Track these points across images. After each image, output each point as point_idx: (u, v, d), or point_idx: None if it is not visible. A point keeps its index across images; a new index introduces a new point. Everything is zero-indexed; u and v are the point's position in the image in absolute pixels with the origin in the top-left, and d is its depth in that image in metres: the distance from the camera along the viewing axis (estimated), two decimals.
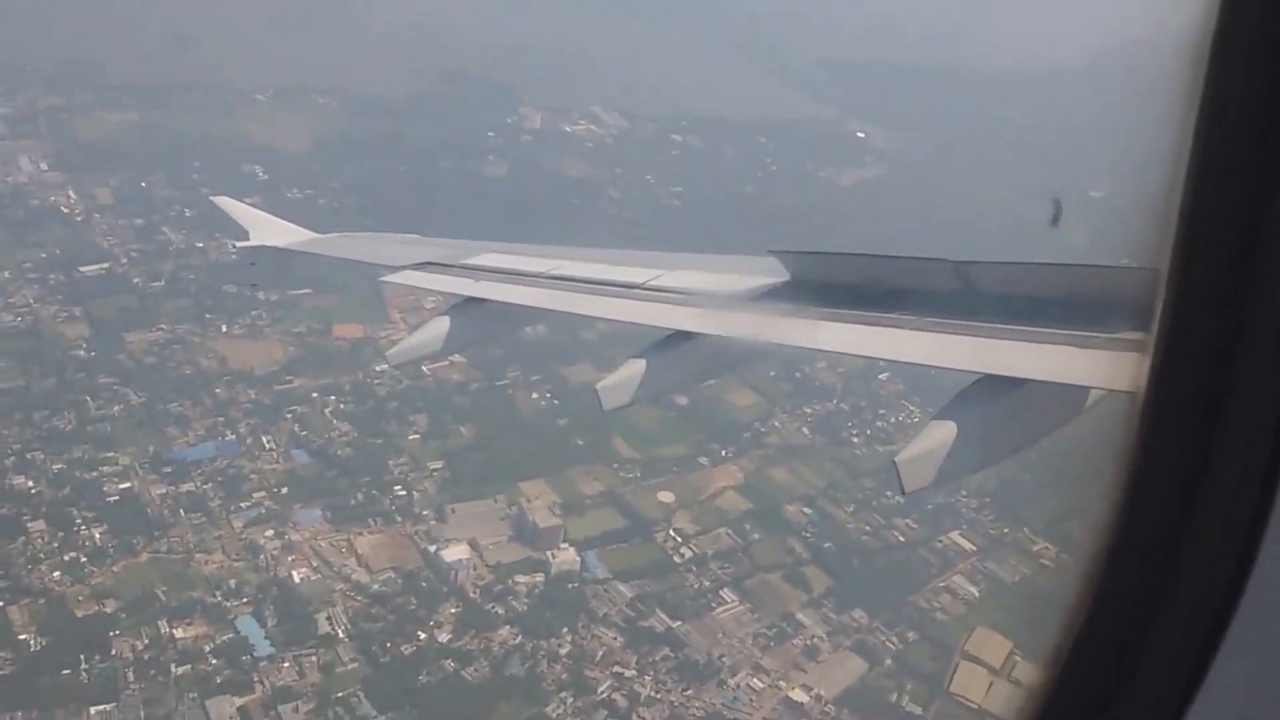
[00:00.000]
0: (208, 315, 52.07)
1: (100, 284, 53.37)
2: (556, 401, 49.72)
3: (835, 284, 8.73)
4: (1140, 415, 2.38)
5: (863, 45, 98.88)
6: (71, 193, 60.72)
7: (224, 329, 51.38)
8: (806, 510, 45.27)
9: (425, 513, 42.48)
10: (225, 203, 15.99)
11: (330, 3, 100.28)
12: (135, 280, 54.13)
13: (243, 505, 41.64)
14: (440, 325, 11.28)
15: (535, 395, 50.01)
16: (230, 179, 63.56)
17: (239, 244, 15.25)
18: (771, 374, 53.24)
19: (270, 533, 40.56)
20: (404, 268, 12.71)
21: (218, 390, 47.32)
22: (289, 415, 46.39)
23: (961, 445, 6.63)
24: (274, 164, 66.18)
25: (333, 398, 47.62)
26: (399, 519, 42.09)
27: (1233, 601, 2.15)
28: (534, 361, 51.74)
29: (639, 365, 8.83)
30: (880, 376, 53.79)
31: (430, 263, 12.66)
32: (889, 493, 46.25)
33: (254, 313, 52.61)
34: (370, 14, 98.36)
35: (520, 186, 68.65)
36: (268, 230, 15.51)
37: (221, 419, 45.76)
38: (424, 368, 50.22)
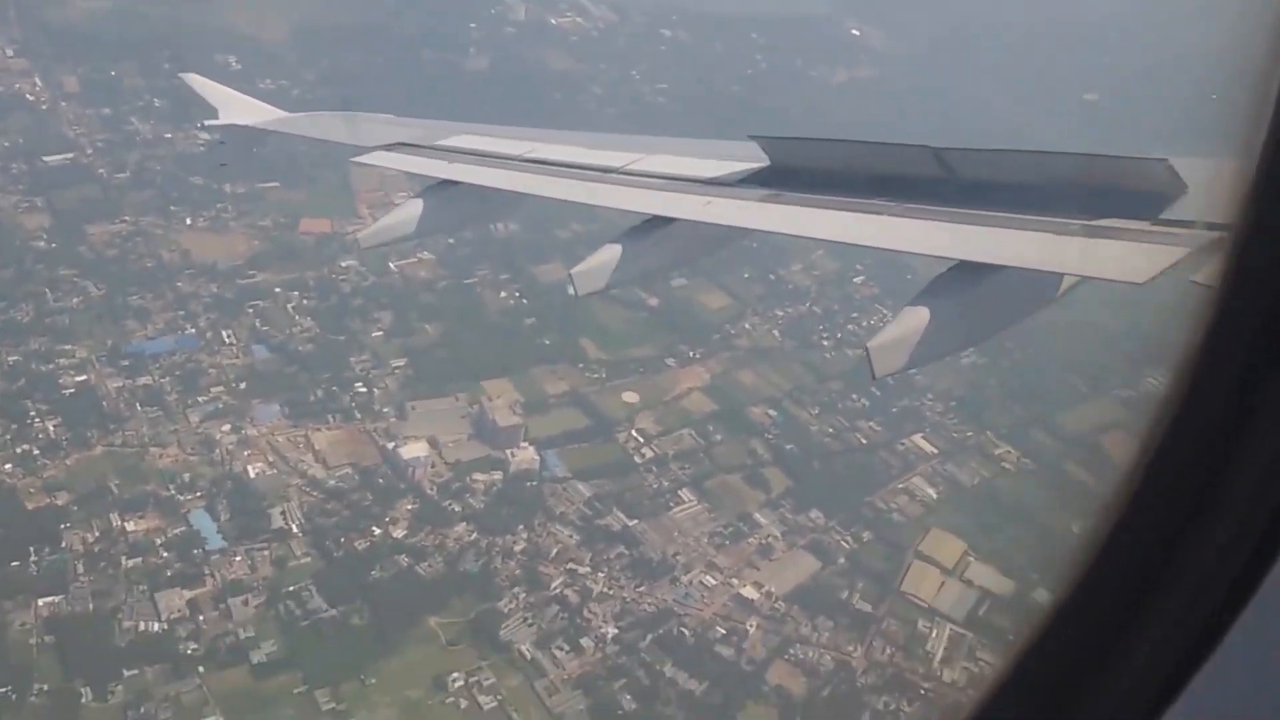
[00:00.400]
0: (172, 207, 51.26)
1: (64, 174, 52.48)
2: (525, 301, 49.11)
3: (814, 170, 8.72)
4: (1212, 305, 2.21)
5: None
6: (38, 80, 59.42)
7: (188, 221, 50.64)
8: (771, 412, 44.94)
9: (385, 410, 42.21)
10: (195, 80, 15.88)
11: None
12: (100, 170, 53.25)
13: (200, 400, 41.42)
14: (413, 207, 11.13)
15: (504, 294, 49.34)
16: (202, 68, 60.31)
17: (208, 122, 15.13)
18: (745, 275, 52.61)
19: (227, 427, 40.38)
20: (376, 148, 12.58)
21: (179, 283, 46.80)
22: (250, 310, 45.91)
23: (934, 331, 6.66)
24: (248, 54, 64.56)
25: (296, 293, 47.07)
26: (358, 416, 41.86)
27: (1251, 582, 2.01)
28: (504, 260, 51.10)
29: (614, 250, 8.80)
30: (855, 280, 53.08)
31: (403, 144, 12.49)
32: (854, 395, 46.05)
33: (219, 205, 51.80)
34: None
35: (502, 79, 66.97)
36: (238, 109, 15.38)
37: (182, 312, 45.34)
38: (391, 264, 49.77)
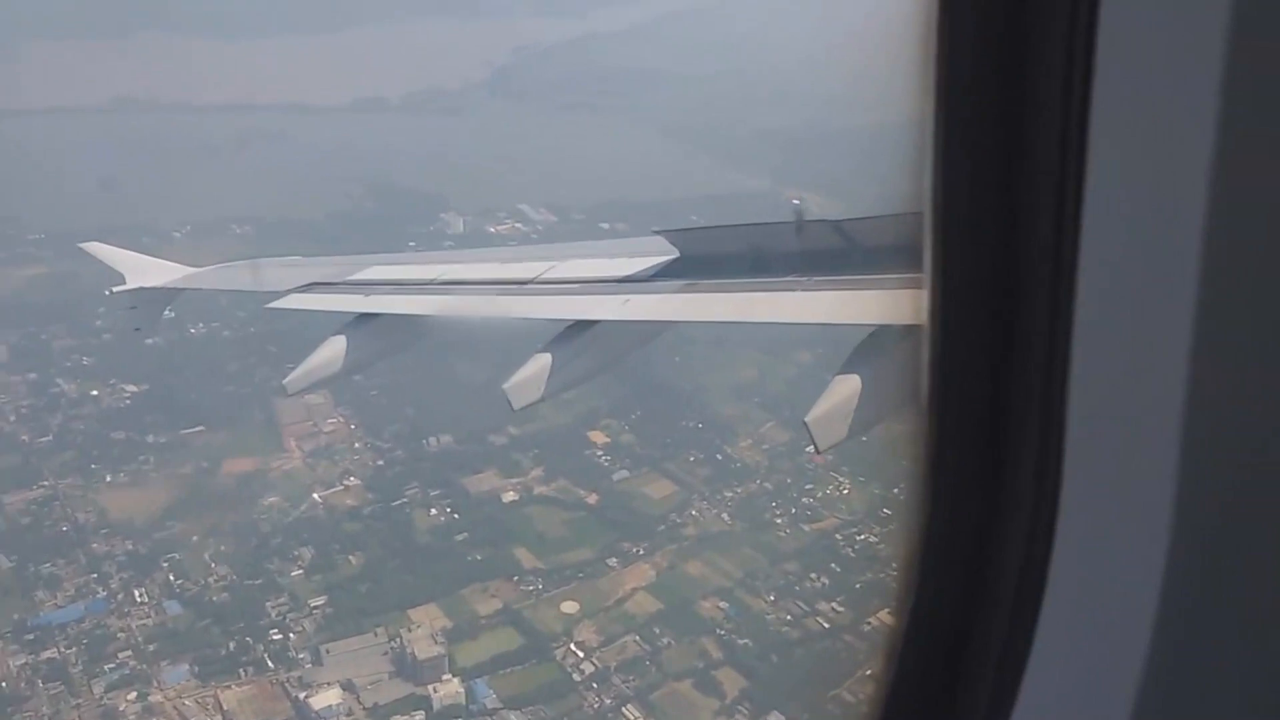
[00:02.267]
0: (93, 466, 49.59)
1: None
2: (456, 516, 46.65)
3: (723, 256, 9.06)
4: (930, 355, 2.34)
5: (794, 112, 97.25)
6: None
7: (108, 478, 48.85)
8: (722, 604, 41.75)
9: (301, 655, 39.32)
10: (98, 249, 16.22)
11: (251, 133, 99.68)
12: (22, 437, 51.84)
13: (107, 668, 38.65)
14: (336, 345, 11.02)
15: (434, 511, 46.89)
16: (133, 320, 61.83)
17: (116, 289, 14.91)
18: (691, 458, 50.31)
19: (132, 695, 37.50)
20: (289, 291, 12.53)
21: (94, 545, 44.61)
22: (165, 564, 43.51)
23: (867, 395, 6.79)
24: (179, 301, 63.98)
25: (211, 540, 44.75)
26: (271, 666, 38.94)
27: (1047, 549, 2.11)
28: (435, 475, 49.01)
29: (544, 359, 8.91)
30: (807, 449, 50.35)
31: (316, 283, 12.55)
32: (813, 574, 42.96)
33: (141, 458, 50.15)
34: (301, 137, 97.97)
35: None
36: (145, 271, 15.42)
37: (94, 575, 42.97)
38: (316, 495, 47.72)
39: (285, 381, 11.96)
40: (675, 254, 9.43)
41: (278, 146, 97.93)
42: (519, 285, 10.44)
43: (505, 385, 9.11)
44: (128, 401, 54.48)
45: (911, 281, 7.07)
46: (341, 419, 53.02)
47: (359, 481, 48.46)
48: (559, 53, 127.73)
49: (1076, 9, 1.81)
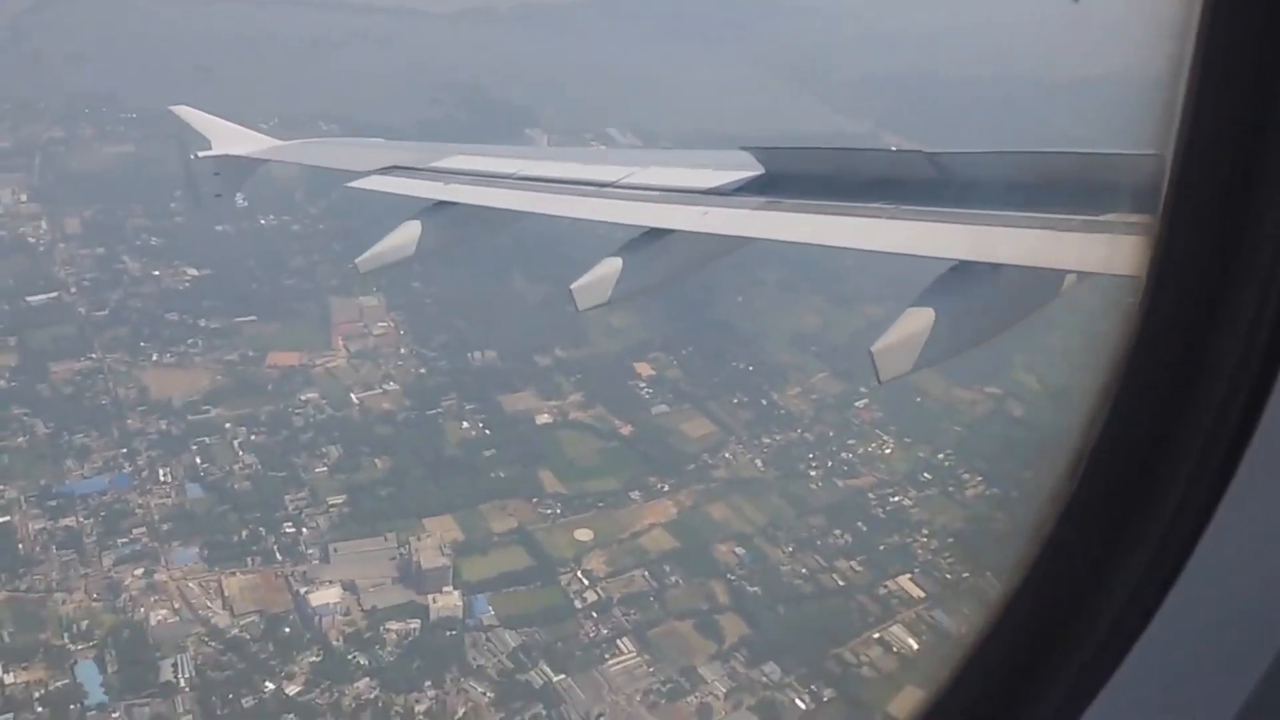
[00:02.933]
0: (143, 344, 50.13)
1: (43, 313, 52.16)
2: (489, 432, 46.02)
3: (809, 177, 8.76)
4: (1139, 302, 2.35)
5: (906, 57, 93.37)
6: (44, 223, 60.09)
7: (155, 357, 49.36)
8: (739, 550, 40.46)
9: (310, 551, 39.27)
10: (186, 112, 15.76)
11: (355, 35, 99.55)
12: (80, 309, 52.73)
13: (120, 542, 39.14)
14: (411, 229, 10.99)
15: (466, 425, 46.29)
16: (208, 205, 62.39)
17: (201, 153, 14.86)
18: (735, 400, 48.84)
19: (139, 571, 37.94)
20: (370, 173, 12.51)
21: (129, 420, 45.15)
22: (195, 447, 43.81)
23: (938, 331, 6.62)
24: (255, 190, 64.31)
25: (244, 429, 44.87)
26: (279, 558, 38.96)
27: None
28: (474, 389, 48.37)
29: (615, 263, 8.70)
30: (857, 404, 48.62)
31: (397, 167, 12.46)
32: (838, 530, 41.40)
33: (189, 340, 50.61)
34: (406, 42, 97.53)
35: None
36: (231, 139, 15.18)
37: (124, 450, 43.49)
38: (353, 396, 47.56)
39: (358, 260, 11.65)
40: (760, 170, 9.11)
41: (382, 49, 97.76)
42: (599, 187, 10.22)
43: (573, 285, 8.81)
44: (187, 284, 54.97)
45: (1000, 219, 6.81)
46: (392, 323, 52.72)
47: (398, 387, 48.13)
48: None
49: None
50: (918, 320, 6.76)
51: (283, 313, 53.07)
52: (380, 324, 52.53)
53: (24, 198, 62.74)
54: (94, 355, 49.10)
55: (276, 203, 63.77)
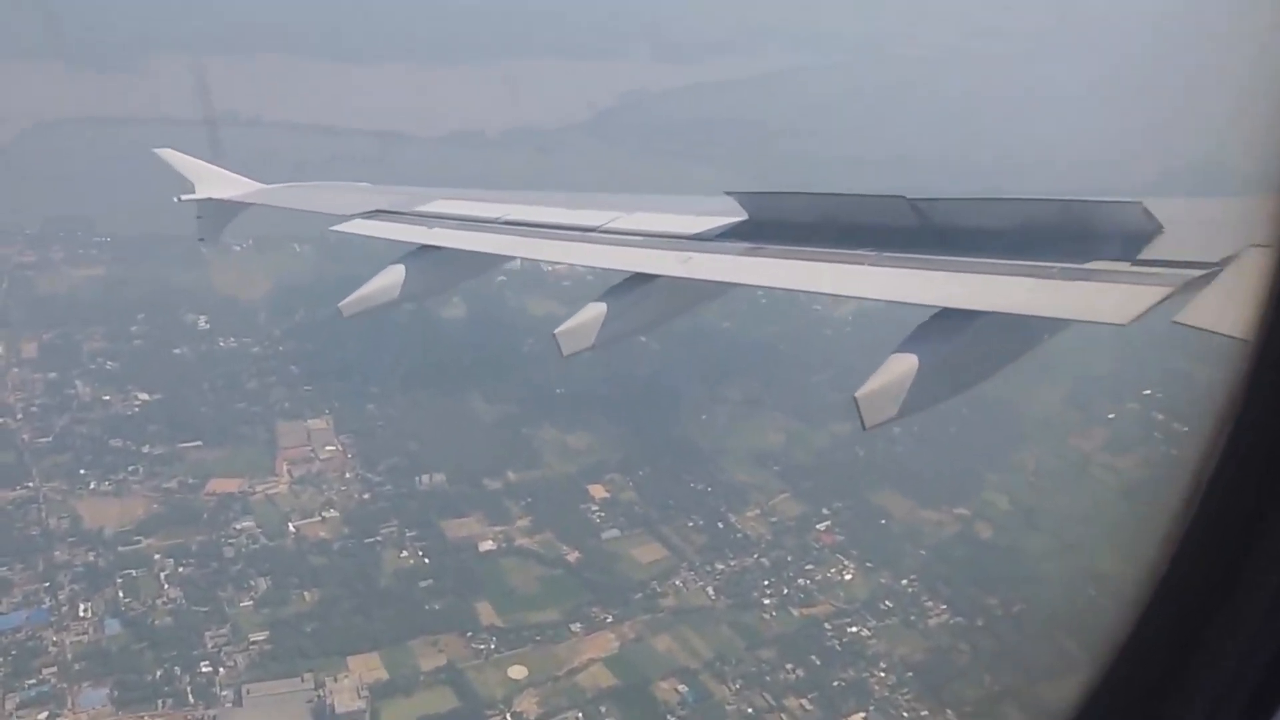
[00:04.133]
0: (82, 471, 48.77)
1: None
2: (428, 560, 44.14)
3: (792, 223, 8.85)
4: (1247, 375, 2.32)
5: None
6: (1, 348, 59.39)
7: (93, 485, 47.95)
8: (681, 688, 38.15)
9: (224, 694, 37.17)
10: (170, 155, 15.94)
11: (339, 158, 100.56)
12: (24, 436, 51.55)
13: (28, 683, 37.20)
14: (395, 273, 11.09)
15: (405, 553, 44.43)
16: (169, 328, 61.86)
17: (184, 196, 15.11)
18: (689, 524, 46.94)
19: (43, 716, 35.87)
20: (353, 216, 12.81)
21: (56, 552, 43.54)
22: (119, 580, 42.10)
23: (922, 377, 6.81)
24: (219, 313, 63.94)
25: (172, 560, 43.16)
26: (191, 700, 36.88)
27: None
28: (418, 515, 46.66)
29: (599, 308, 8.81)
30: (819, 526, 46.69)
31: (381, 210, 12.73)
32: (789, 665, 39.11)
33: (130, 468, 49.15)
34: (389, 163, 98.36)
35: (477, 325, 64.99)
36: (214, 182, 15.53)
37: (47, 584, 41.81)
38: (290, 525, 45.88)
39: (341, 305, 11.70)
40: (744, 216, 9.31)
41: (368, 171, 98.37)
42: (584, 232, 10.35)
43: (557, 331, 8.88)
44: (137, 409, 53.83)
45: (980, 266, 7.03)
46: (340, 446, 51.34)
47: (338, 514, 46.52)
48: (666, 100, 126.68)
49: None
50: (901, 366, 6.78)
51: (230, 438, 51.78)
52: (328, 447, 51.13)
53: None
54: (31, 484, 47.75)
55: (239, 324, 63.29)
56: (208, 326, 62.61)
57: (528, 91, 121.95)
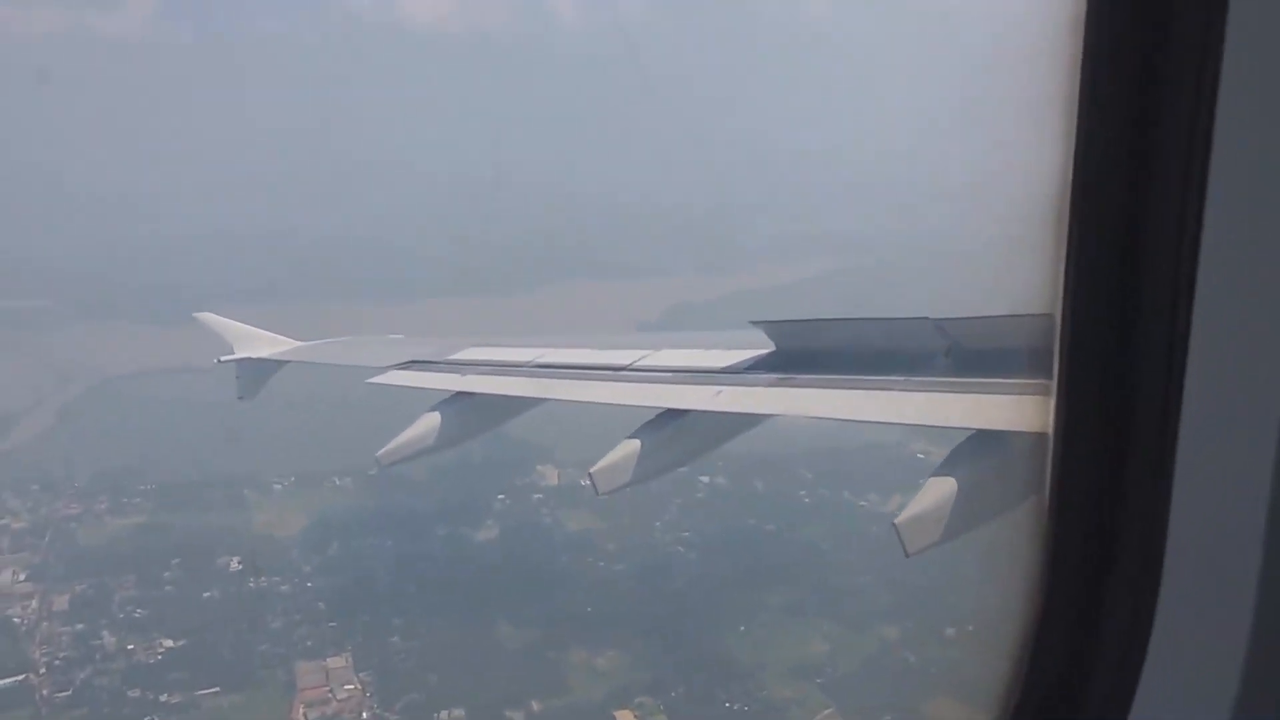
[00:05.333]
0: None
1: (4, 697, 50.04)
2: None
3: (820, 351, 9.18)
4: (1051, 454, 2.66)
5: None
6: (35, 602, 59.14)
7: None
8: None
9: None
10: (209, 319, 16.54)
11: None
12: (44, 691, 50.57)
13: None
14: (431, 420, 11.42)
15: None
16: (201, 572, 61.37)
17: (224, 358, 15.62)
18: None
19: None
20: (389, 367, 13.18)
21: None
22: None
23: (963, 500, 6.88)
24: (250, 553, 63.44)
25: None
26: None
27: (1149, 620, 2.50)
28: None
29: (633, 445, 9.26)
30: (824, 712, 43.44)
31: (415, 361, 13.07)
32: None
33: (148, 717, 47.67)
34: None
35: (510, 545, 63.60)
36: (252, 342, 16.04)
37: None
38: None
39: (378, 454, 12.01)
40: (771, 347, 9.34)
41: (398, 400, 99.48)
42: (613, 371, 10.55)
43: (592, 470, 9.07)
44: (159, 657, 52.78)
45: (1011, 386, 7.38)
46: (359, 685, 49.45)
47: None
48: (708, 308, 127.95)
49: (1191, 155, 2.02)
50: (940, 490, 6.78)
51: (248, 682, 50.34)
52: (347, 686, 49.31)
53: (22, 577, 62.25)
54: None
55: (271, 563, 62.59)
56: (239, 568, 62.01)
57: (572, 312, 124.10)
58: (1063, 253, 2.33)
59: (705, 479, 72.61)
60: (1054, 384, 2.56)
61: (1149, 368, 2.29)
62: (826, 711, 45.65)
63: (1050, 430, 2.61)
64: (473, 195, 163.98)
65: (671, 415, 9.30)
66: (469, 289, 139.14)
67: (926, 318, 8.09)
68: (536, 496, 71.35)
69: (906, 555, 6.85)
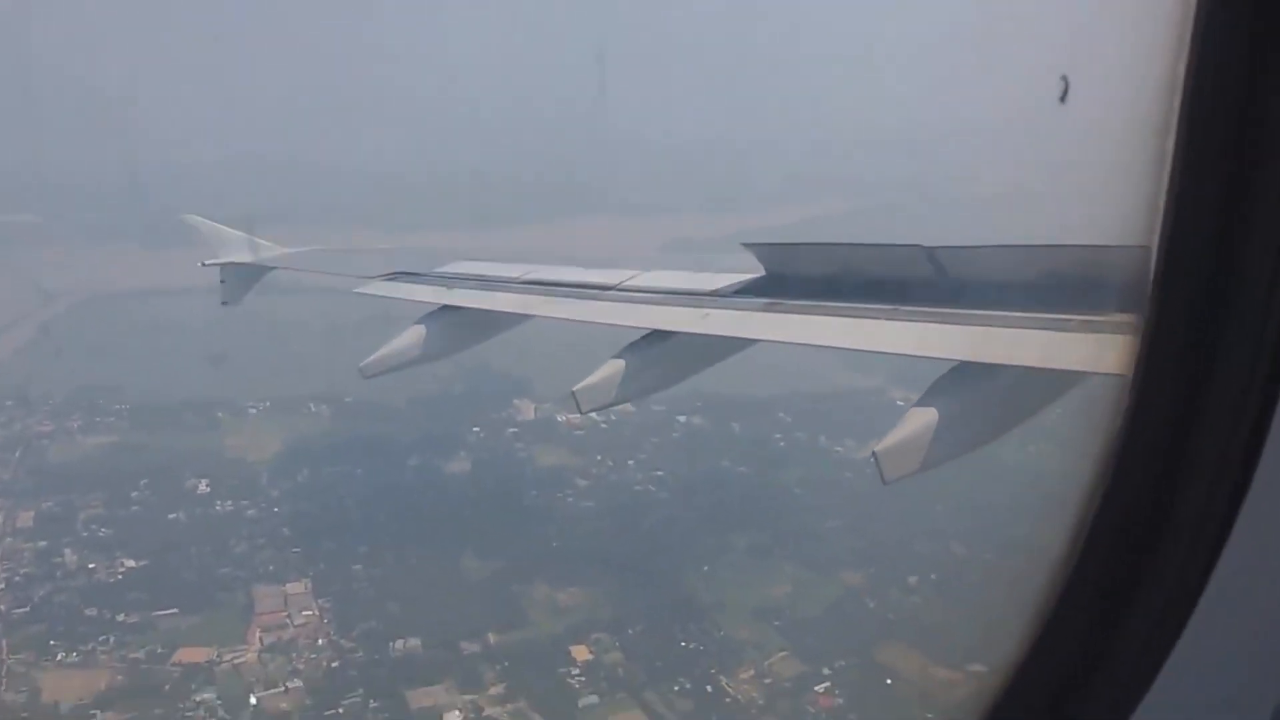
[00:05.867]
0: (52, 642, 47.19)
1: None
2: None
3: (809, 277, 9.11)
4: (1128, 397, 2.46)
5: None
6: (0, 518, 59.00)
7: (59, 657, 46.26)
8: None
9: None
10: (195, 220, 16.12)
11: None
12: (1, 606, 50.36)
13: None
14: (416, 333, 11.29)
15: None
16: (169, 494, 61.01)
17: (207, 261, 15.35)
18: (676, 688, 43.70)
19: None
20: (375, 277, 13.06)
21: None
22: None
23: (943, 431, 6.82)
24: (221, 476, 63.06)
25: None
26: None
27: (1202, 585, 2.31)
28: (384, 684, 44.10)
29: (618, 365, 9.30)
30: (817, 688, 43.29)
31: (402, 272, 12.94)
32: None
33: (101, 638, 47.49)
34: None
35: (478, 481, 63.07)
36: (239, 247, 15.78)
37: None
38: (252, 696, 44.00)
39: (362, 365, 11.70)
40: (761, 270, 9.23)
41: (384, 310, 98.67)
42: (600, 290, 10.46)
43: (575, 388, 8.92)
44: (120, 576, 52.52)
45: (1000, 319, 7.62)
46: (317, 611, 49.19)
47: (302, 684, 44.04)
48: (709, 244, 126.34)
49: None
50: (920, 420, 6.69)
51: (207, 604, 50.01)
52: (305, 612, 49.02)
53: None
54: None
55: (241, 487, 62.18)
56: (208, 490, 61.65)
57: (571, 245, 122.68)
58: (1161, 188, 2.16)
59: (682, 418, 72.04)
60: (1142, 323, 2.36)
61: (1246, 325, 2.12)
62: (781, 654, 45.16)
63: (1130, 370, 2.43)
64: (482, 128, 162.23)
65: (658, 336, 9.17)
66: (468, 222, 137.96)
67: (919, 245, 7.90)
68: (511, 430, 70.73)
69: (884, 482, 6.76)
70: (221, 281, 16.09)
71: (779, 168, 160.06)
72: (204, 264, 15.71)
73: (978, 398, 6.93)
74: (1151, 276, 2.30)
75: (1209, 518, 2.24)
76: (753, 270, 9.42)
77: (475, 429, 71.05)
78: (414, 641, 46.44)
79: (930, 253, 7.92)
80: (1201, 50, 2.03)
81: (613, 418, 73.53)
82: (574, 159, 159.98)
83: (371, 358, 11.68)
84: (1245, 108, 2.01)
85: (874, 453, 6.83)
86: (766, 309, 8.90)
